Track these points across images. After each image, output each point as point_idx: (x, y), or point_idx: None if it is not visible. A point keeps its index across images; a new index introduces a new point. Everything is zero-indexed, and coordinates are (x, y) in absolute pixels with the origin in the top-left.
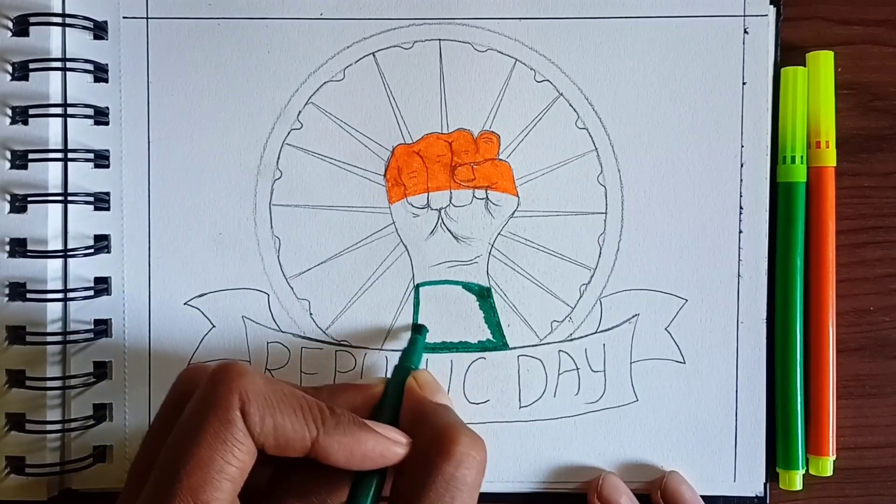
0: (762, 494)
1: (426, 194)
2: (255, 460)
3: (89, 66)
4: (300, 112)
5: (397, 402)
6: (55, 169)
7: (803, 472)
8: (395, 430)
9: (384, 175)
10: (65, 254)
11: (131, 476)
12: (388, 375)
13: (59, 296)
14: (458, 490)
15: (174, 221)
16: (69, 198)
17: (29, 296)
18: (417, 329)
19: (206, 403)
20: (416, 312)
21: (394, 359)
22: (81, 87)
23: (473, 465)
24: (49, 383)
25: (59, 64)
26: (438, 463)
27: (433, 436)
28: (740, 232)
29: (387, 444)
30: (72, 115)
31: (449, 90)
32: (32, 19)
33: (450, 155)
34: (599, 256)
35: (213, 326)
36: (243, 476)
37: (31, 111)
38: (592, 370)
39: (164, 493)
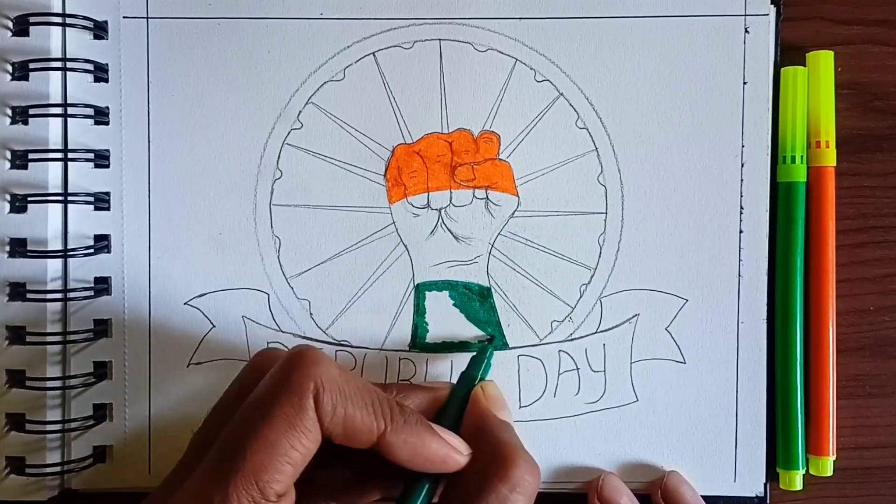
0: (762, 494)
1: (426, 194)
2: (317, 448)
3: (89, 66)
4: (300, 112)
5: (461, 409)
6: (55, 169)
7: (803, 472)
8: (459, 439)
9: (384, 175)
10: (65, 254)
11: (192, 446)
12: (454, 381)
13: (59, 296)
14: None
15: (174, 221)
16: (69, 198)
17: (29, 296)
18: (490, 338)
19: (280, 386)
20: (416, 312)
21: (393, 359)
22: (81, 87)
23: (526, 491)
24: (49, 383)
25: (59, 64)
26: (494, 482)
27: (493, 453)
28: (740, 232)
29: (449, 451)
30: (72, 115)
31: (449, 90)
32: (32, 19)
33: (450, 155)
34: (599, 256)
35: (213, 326)
36: (305, 462)
37: (31, 111)
38: (592, 370)
39: (226, 467)
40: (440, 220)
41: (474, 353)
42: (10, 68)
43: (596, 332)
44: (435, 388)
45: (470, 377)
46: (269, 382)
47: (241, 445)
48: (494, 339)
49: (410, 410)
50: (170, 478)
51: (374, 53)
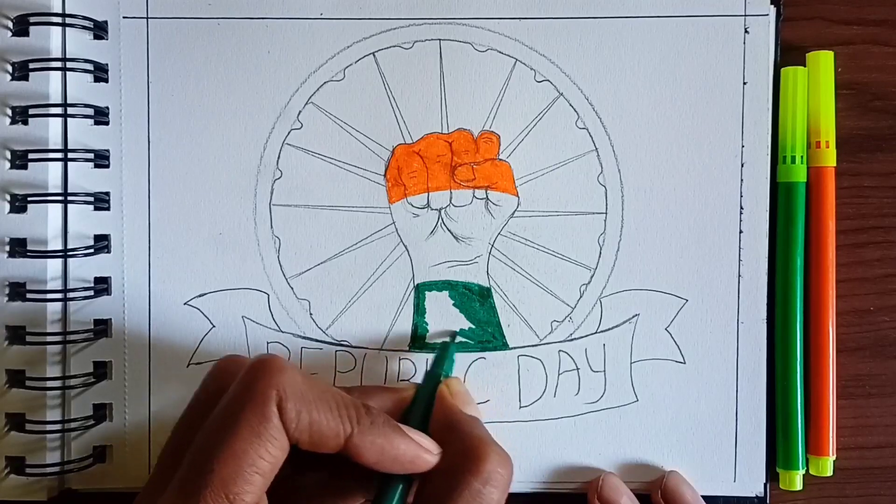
0: (762, 494)
1: (426, 194)
2: (286, 456)
3: (89, 66)
4: (300, 112)
5: (428, 408)
6: (55, 169)
7: (803, 472)
8: (428, 438)
9: (384, 175)
10: (65, 254)
11: (161, 461)
12: (419, 380)
13: (59, 296)
14: None
15: (174, 221)
16: (69, 198)
17: (29, 296)
18: (451, 335)
19: (244, 396)
20: (416, 312)
21: (393, 359)
22: (81, 87)
23: (500, 483)
24: (49, 383)
25: (59, 64)
26: (466, 478)
27: (463, 449)
28: (740, 232)
29: (418, 451)
30: (72, 115)
31: (449, 90)
32: (32, 19)
33: (450, 155)
34: (599, 256)
35: (213, 326)
36: (274, 471)
37: (31, 111)
38: (592, 370)
39: (195, 481)
40: (440, 220)
41: (437, 351)
42: (10, 68)
43: (596, 332)
44: (399, 388)
45: (434, 375)
46: (233, 393)
47: (208, 459)
48: (456, 336)
49: (377, 411)
50: (143, 495)
51: (373, 53)
